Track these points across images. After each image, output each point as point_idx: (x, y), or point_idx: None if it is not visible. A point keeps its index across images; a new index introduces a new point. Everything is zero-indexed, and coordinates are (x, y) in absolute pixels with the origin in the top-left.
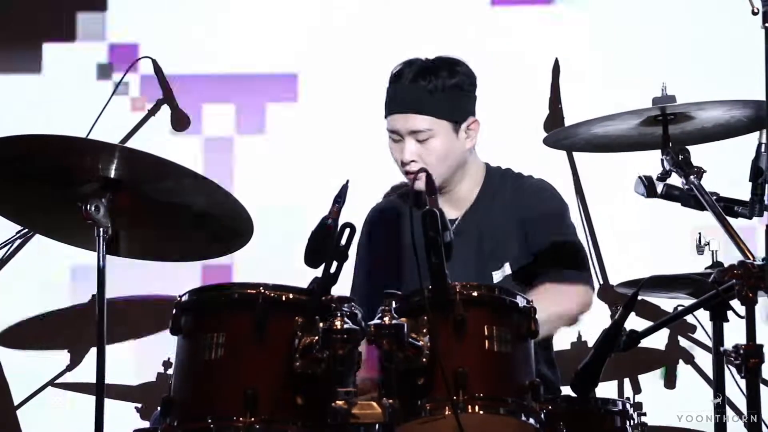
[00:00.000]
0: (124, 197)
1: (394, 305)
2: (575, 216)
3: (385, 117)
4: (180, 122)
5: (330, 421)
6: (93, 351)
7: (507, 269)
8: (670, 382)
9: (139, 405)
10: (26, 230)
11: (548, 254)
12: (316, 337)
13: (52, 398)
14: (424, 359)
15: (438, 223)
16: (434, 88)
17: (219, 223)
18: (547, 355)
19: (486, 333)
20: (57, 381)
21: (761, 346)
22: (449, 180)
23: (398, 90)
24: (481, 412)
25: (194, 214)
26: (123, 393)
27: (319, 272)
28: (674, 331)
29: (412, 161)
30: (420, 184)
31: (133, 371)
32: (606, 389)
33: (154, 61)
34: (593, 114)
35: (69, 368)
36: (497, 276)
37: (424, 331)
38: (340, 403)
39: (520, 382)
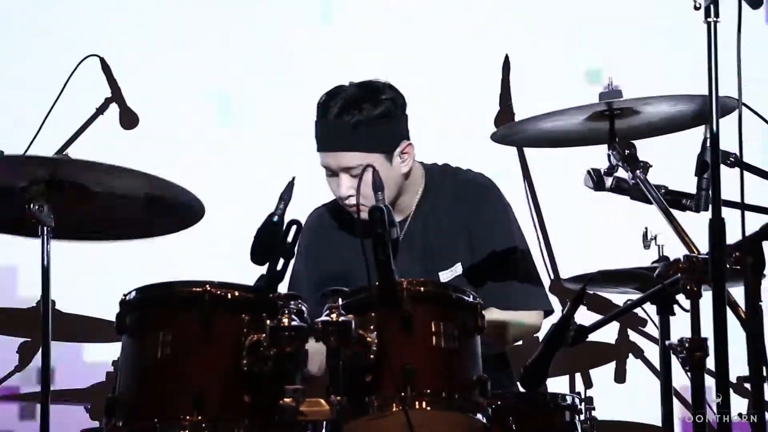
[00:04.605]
0: (69, 194)
1: (341, 302)
2: (525, 210)
3: (317, 151)
4: (129, 121)
5: (278, 418)
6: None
7: (458, 269)
8: (620, 376)
9: (89, 405)
10: None
11: (497, 263)
12: (264, 335)
13: None
14: (372, 356)
15: (385, 219)
16: (358, 122)
17: (167, 203)
18: (497, 356)
19: (433, 329)
20: (4, 383)
21: (705, 339)
22: (391, 201)
23: (324, 126)
24: (429, 408)
25: (142, 200)
26: (72, 394)
27: (264, 269)
28: (624, 325)
29: (350, 196)
30: (364, 215)
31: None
32: (557, 384)
33: (101, 59)
34: (543, 109)
35: (18, 369)
36: (447, 276)
37: (372, 327)
38: (287, 400)
39: (468, 378)
